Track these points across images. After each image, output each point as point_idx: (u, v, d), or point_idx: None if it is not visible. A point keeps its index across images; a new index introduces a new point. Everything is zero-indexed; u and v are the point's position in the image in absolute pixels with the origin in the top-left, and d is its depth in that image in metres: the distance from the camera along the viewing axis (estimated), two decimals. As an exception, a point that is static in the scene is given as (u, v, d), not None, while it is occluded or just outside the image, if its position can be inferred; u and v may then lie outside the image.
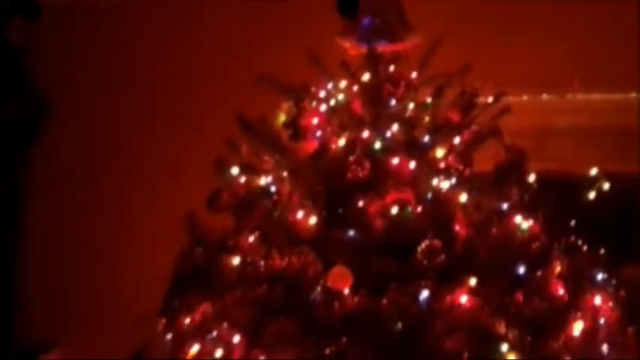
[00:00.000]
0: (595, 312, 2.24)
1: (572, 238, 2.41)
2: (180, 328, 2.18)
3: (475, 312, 2.01)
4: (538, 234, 2.26)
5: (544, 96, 3.48)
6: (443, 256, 2.09)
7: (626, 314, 2.96)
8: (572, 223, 2.50)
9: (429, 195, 2.15)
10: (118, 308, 3.64)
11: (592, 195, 3.37)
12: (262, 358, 2.00)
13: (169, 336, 2.23)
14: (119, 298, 3.70)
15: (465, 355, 1.98)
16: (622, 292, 2.34)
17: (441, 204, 2.17)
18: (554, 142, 3.54)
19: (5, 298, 3.95)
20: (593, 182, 3.41)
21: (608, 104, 3.60)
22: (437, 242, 2.09)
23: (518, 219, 2.24)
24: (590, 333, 2.15)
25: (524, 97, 3.35)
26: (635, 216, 3.69)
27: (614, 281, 2.30)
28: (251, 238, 2.24)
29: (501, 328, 2.02)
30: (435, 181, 2.21)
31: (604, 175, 3.22)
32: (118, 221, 3.74)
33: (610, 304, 2.31)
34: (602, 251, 2.66)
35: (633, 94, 3.60)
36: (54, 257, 3.97)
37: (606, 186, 3.39)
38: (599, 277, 2.27)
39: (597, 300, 2.30)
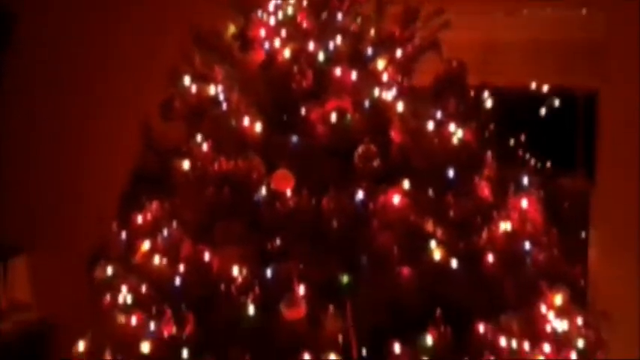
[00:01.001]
0: (520, 213, 2.42)
1: (506, 147, 2.59)
2: (133, 227, 2.34)
3: (406, 211, 2.18)
4: (470, 142, 2.43)
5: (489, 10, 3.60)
6: (378, 160, 2.24)
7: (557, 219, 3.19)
8: (512, 133, 2.69)
9: (367, 103, 2.29)
10: (81, 213, 3.80)
11: (542, 111, 3.55)
12: (207, 254, 2.16)
13: (123, 234, 2.39)
14: (81, 203, 3.85)
15: (395, 250, 2.15)
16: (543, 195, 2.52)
17: (379, 112, 2.31)
18: (499, 57, 3.69)
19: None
20: (544, 98, 3.59)
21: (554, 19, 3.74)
22: (373, 147, 2.24)
23: (452, 127, 2.40)
24: (513, 232, 2.33)
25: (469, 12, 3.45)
26: (577, 131, 3.88)
27: (538, 186, 2.47)
28: (201, 144, 2.39)
29: (430, 226, 2.20)
30: (375, 92, 2.35)
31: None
32: (80, 129, 3.86)
33: (536, 207, 2.50)
34: (537, 161, 2.86)
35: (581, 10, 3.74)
36: (21, 165, 4.10)
37: (557, 102, 3.58)
38: (525, 181, 2.45)
39: (524, 203, 2.49)
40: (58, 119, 3.92)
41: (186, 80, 2.50)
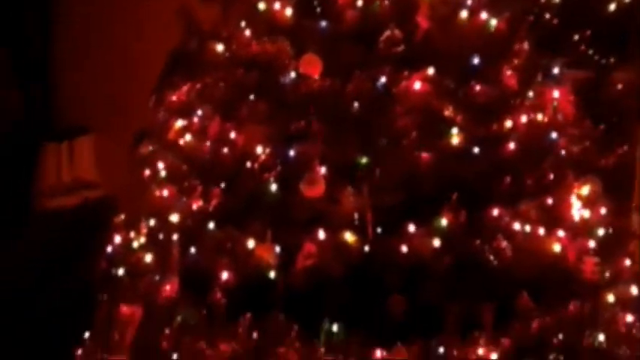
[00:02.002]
0: (548, 103, 2.42)
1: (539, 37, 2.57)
2: (169, 105, 2.45)
3: (427, 96, 2.22)
4: (502, 30, 2.42)
5: None
6: (402, 46, 2.27)
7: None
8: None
9: (395, -12, 2.31)
10: (138, 95, 3.95)
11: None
12: (233, 132, 2.26)
13: (161, 113, 2.50)
14: (137, 86, 3.99)
15: (415, 134, 2.21)
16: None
17: (407, -2, 2.33)
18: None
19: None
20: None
21: None
22: (397, 32, 2.27)
23: (484, 15, 2.40)
24: (537, 121, 2.34)
25: None
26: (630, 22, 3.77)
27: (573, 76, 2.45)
28: (235, 27, 2.45)
29: (450, 111, 2.23)
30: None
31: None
32: (132, 14, 3.98)
33: (568, 97, 2.50)
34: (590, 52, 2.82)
35: None
36: (83, 52, 4.26)
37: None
38: (557, 71, 2.44)
39: (554, 93, 2.48)
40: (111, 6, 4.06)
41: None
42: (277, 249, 2.19)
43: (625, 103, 3.68)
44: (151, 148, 2.58)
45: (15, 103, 4.25)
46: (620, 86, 3.74)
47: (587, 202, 2.48)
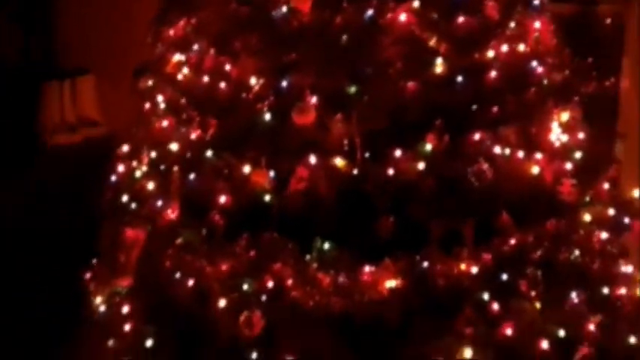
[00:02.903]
0: (528, 33, 2.53)
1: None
2: (166, 40, 2.56)
3: (411, 27, 2.33)
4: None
5: None
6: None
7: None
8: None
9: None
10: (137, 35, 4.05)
11: None
12: (228, 65, 2.37)
13: (158, 48, 2.62)
14: (135, 26, 4.09)
15: (400, 64, 2.32)
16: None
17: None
18: None
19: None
20: None
21: None
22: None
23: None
24: (517, 50, 2.46)
25: None
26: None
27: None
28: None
29: (434, 41, 2.34)
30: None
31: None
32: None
33: (548, 27, 2.60)
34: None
35: None
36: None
37: None
38: (536, 2, 2.54)
39: (535, 23, 2.59)
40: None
41: None
42: (271, 174, 2.33)
43: (610, 36, 3.80)
44: (150, 82, 2.70)
45: (17, 43, 4.36)
46: (607, 20, 3.86)
47: (567, 128, 2.62)
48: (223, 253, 2.27)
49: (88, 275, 2.66)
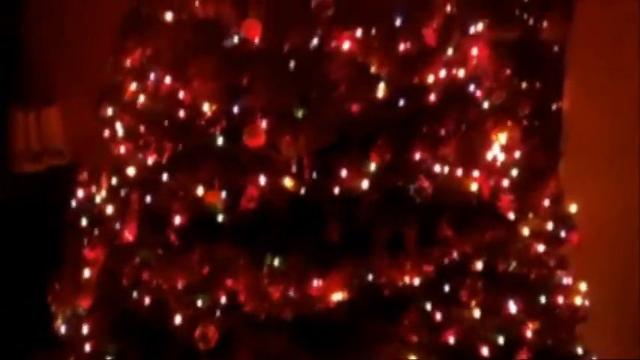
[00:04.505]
0: (465, 56, 2.68)
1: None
2: (123, 69, 2.68)
3: (353, 54, 2.47)
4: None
5: None
6: (332, 9, 2.52)
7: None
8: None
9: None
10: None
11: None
12: (182, 91, 2.50)
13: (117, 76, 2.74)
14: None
15: (343, 87, 2.46)
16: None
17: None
18: None
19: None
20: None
21: None
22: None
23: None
24: (455, 76, 2.61)
25: None
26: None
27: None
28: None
29: (375, 66, 2.49)
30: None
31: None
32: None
33: (484, 50, 2.76)
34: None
35: None
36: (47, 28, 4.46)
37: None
38: (472, 30, 2.70)
39: (474, 50, 2.75)
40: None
41: None
42: (224, 194, 2.45)
43: (554, 59, 3.99)
44: (110, 110, 2.82)
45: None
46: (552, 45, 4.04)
47: (505, 147, 2.77)
48: (178, 269, 2.38)
49: (50, 295, 2.75)
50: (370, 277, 2.39)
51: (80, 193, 2.70)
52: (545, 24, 3.96)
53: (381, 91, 2.49)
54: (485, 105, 2.75)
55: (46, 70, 4.55)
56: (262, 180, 2.41)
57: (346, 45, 2.49)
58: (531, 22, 3.96)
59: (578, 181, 3.60)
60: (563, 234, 2.80)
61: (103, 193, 2.68)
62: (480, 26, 2.75)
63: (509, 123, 2.81)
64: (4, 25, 4.36)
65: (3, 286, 3.39)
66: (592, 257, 3.21)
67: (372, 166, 2.46)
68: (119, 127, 2.69)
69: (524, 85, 3.17)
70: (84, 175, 2.79)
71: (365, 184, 2.43)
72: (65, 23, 4.44)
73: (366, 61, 2.50)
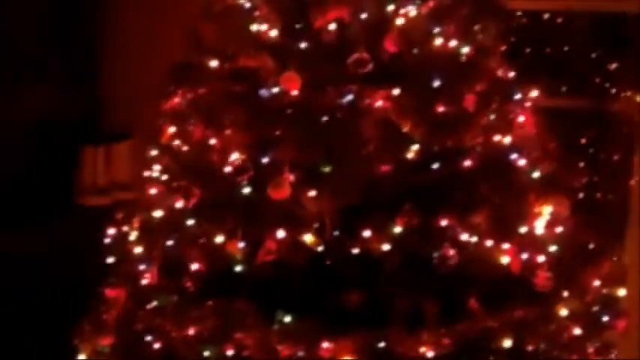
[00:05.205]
0: (510, 125, 2.58)
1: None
2: (164, 111, 2.71)
3: (386, 112, 2.42)
4: (471, 57, 2.60)
5: None
6: (371, 66, 2.48)
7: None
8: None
9: (365, 15, 2.51)
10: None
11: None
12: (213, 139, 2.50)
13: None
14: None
15: (374, 145, 2.40)
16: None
17: (378, 24, 2.53)
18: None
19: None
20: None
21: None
22: (365, 55, 2.48)
23: (453, 43, 2.58)
24: (495, 142, 2.52)
25: None
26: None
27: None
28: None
29: (408, 127, 2.42)
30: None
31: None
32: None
33: (530, 119, 2.66)
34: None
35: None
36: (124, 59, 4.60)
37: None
38: (519, 95, 2.60)
39: (520, 117, 2.65)
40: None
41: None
42: (244, 244, 2.42)
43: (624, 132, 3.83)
44: (154, 151, 2.85)
45: (66, 105, 4.60)
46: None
47: (548, 221, 2.65)
48: (191, 317, 2.36)
49: (75, 333, 2.78)
50: (383, 344, 2.30)
51: (112, 231, 2.72)
52: (620, 95, 3.82)
53: (412, 152, 2.43)
54: (531, 175, 2.65)
55: (120, 106, 4.69)
56: (280, 234, 2.38)
57: (379, 103, 2.45)
58: (606, 92, 3.83)
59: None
60: (606, 318, 2.64)
61: (135, 233, 2.70)
62: (529, 93, 2.67)
63: (556, 196, 2.70)
64: (80, 60, 4.53)
65: (37, 317, 3.46)
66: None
67: (397, 229, 2.40)
68: (156, 169, 2.72)
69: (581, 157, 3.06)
70: (119, 214, 2.83)
71: (386, 247, 2.36)
72: (142, 59, 4.57)
73: (400, 120, 2.45)
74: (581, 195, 2.89)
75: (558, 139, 2.76)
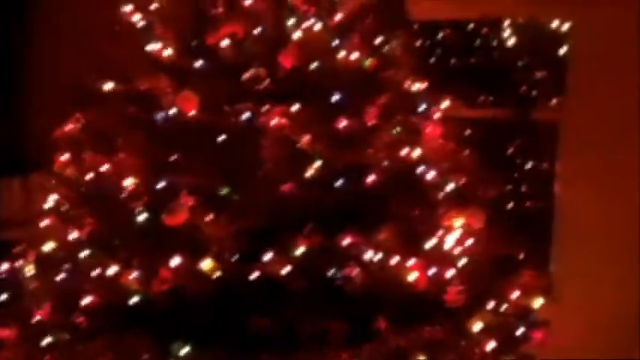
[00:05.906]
0: (421, 139, 2.51)
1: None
2: (58, 139, 2.59)
3: (284, 131, 2.32)
4: (372, 69, 2.52)
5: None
6: (267, 82, 2.39)
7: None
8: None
9: (259, 30, 2.42)
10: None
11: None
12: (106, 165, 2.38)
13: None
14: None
15: (273, 165, 2.31)
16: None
17: (274, 38, 2.45)
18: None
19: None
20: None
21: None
22: (261, 71, 2.39)
23: (354, 55, 2.51)
24: (401, 156, 2.43)
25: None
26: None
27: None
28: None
29: (307, 142, 2.33)
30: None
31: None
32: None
33: (438, 131, 2.59)
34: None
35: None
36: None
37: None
38: (424, 106, 2.53)
39: (428, 129, 2.58)
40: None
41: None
42: (140, 274, 2.30)
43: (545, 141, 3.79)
44: (51, 181, 2.72)
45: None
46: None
47: (460, 235, 2.57)
48: (81, 356, 2.23)
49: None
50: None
51: (4, 266, 2.58)
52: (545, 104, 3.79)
53: (313, 170, 2.34)
54: (442, 188, 2.57)
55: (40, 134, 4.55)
56: (175, 261, 2.26)
57: (274, 120, 2.36)
58: (532, 101, 3.80)
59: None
60: (521, 330, 2.57)
61: (30, 267, 2.56)
62: (441, 104, 2.60)
63: (469, 208, 2.63)
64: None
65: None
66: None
67: (299, 251, 2.30)
68: (50, 199, 2.60)
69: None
70: (17, 248, 2.69)
71: (286, 269, 2.25)
72: (58, 84, 4.45)
73: (298, 137, 2.36)
74: (510, 205, 2.81)
75: (483, 150, 2.70)
